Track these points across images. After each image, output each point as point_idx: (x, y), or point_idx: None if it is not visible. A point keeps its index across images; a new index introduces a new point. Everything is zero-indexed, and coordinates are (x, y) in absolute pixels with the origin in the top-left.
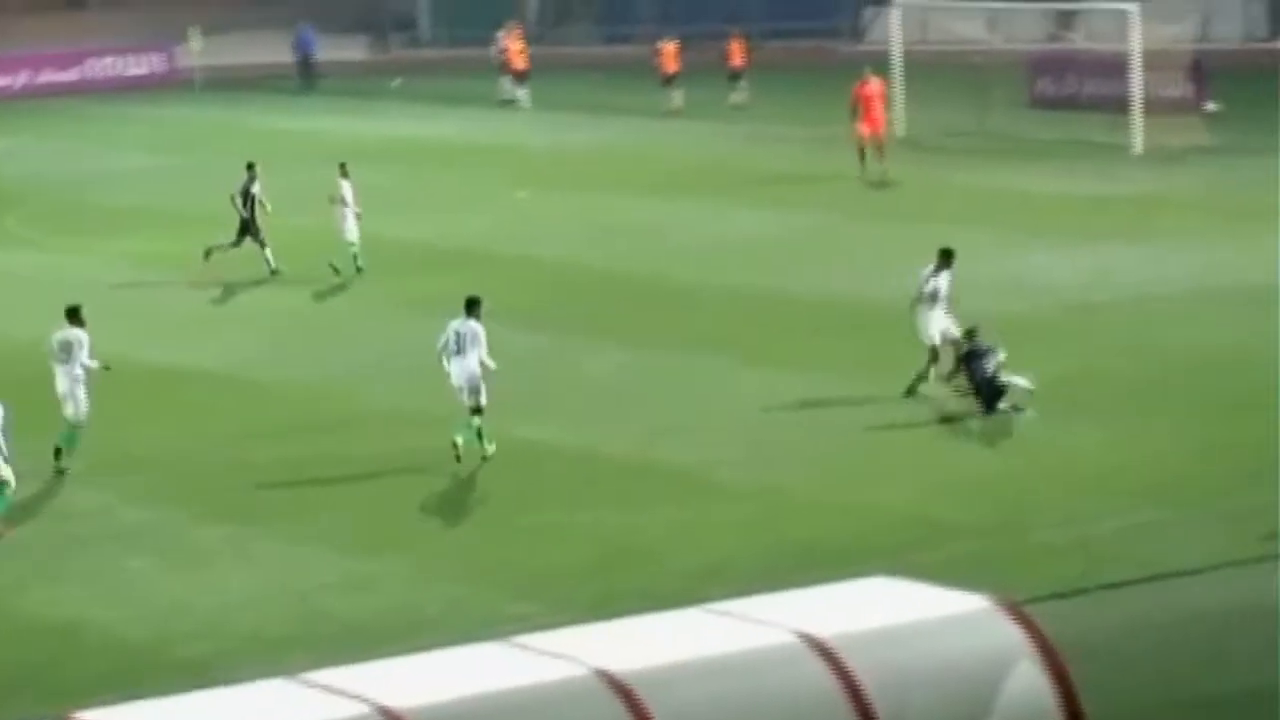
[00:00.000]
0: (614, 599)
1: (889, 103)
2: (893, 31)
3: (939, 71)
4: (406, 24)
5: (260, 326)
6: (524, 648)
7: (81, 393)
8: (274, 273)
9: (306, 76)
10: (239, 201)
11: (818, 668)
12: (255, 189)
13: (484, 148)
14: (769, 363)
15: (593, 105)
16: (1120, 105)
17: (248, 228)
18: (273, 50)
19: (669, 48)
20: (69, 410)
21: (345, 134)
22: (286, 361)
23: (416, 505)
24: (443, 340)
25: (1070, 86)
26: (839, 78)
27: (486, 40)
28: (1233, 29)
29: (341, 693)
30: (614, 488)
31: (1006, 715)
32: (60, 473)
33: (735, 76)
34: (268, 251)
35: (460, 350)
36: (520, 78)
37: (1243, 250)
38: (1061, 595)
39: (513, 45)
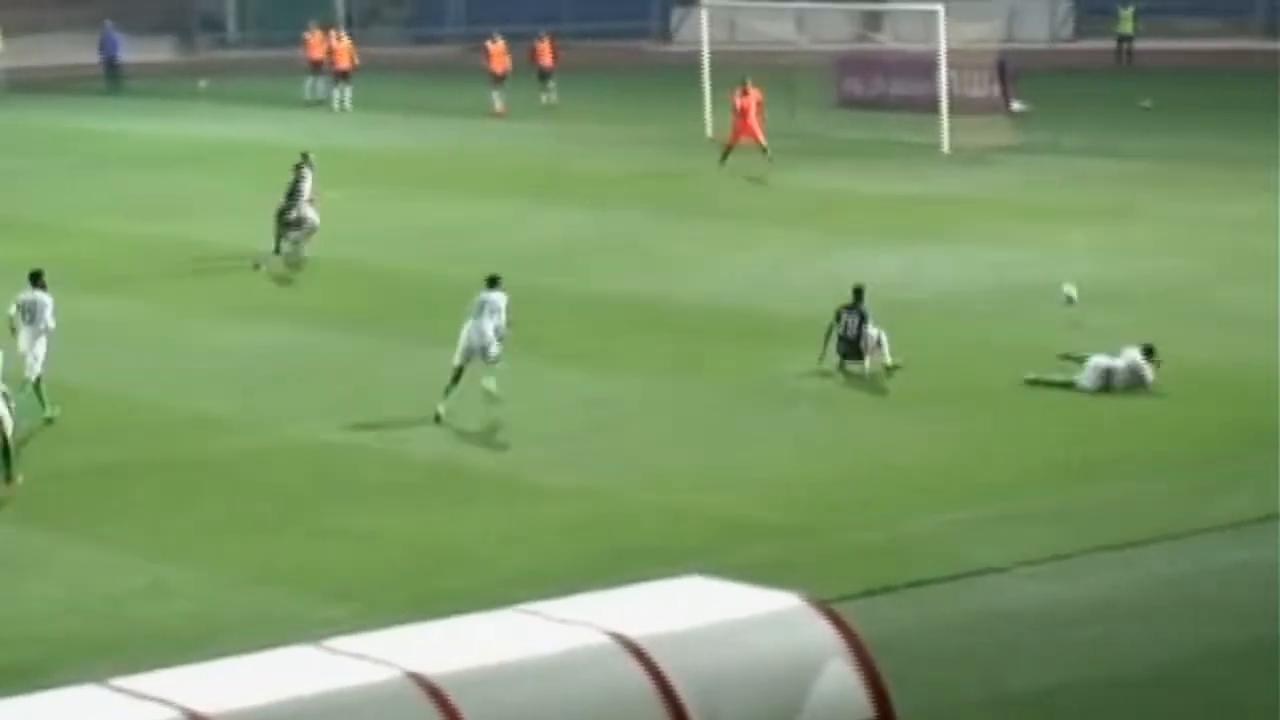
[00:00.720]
0: (426, 602)
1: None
2: (701, 32)
3: (748, 72)
4: (214, 25)
5: (70, 330)
6: (334, 651)
7: (42, 350)
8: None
9: (113, 78)
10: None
11: (630, 668)
12: (305, 185)
13: (295, 149)
14: (580, 363)
15: (407, 106)
16: (928, 105)
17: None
18: (78, 51)
19: (496, 47)
20: (31, 368)
21: (152, 135)
22: (94, 365)
23: (225, 510)
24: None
25: (878, 87)
26: (648, 78)
27: (296, 41)
28: (1038, 29)
29: (150, 698)
30: (426, 490)
31: (818, 712)
32: (49, 421)
33: (545, 77)
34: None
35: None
36: (341, 77)
37: (1047, 248)
38: (872, 593)
39: (335, 44)
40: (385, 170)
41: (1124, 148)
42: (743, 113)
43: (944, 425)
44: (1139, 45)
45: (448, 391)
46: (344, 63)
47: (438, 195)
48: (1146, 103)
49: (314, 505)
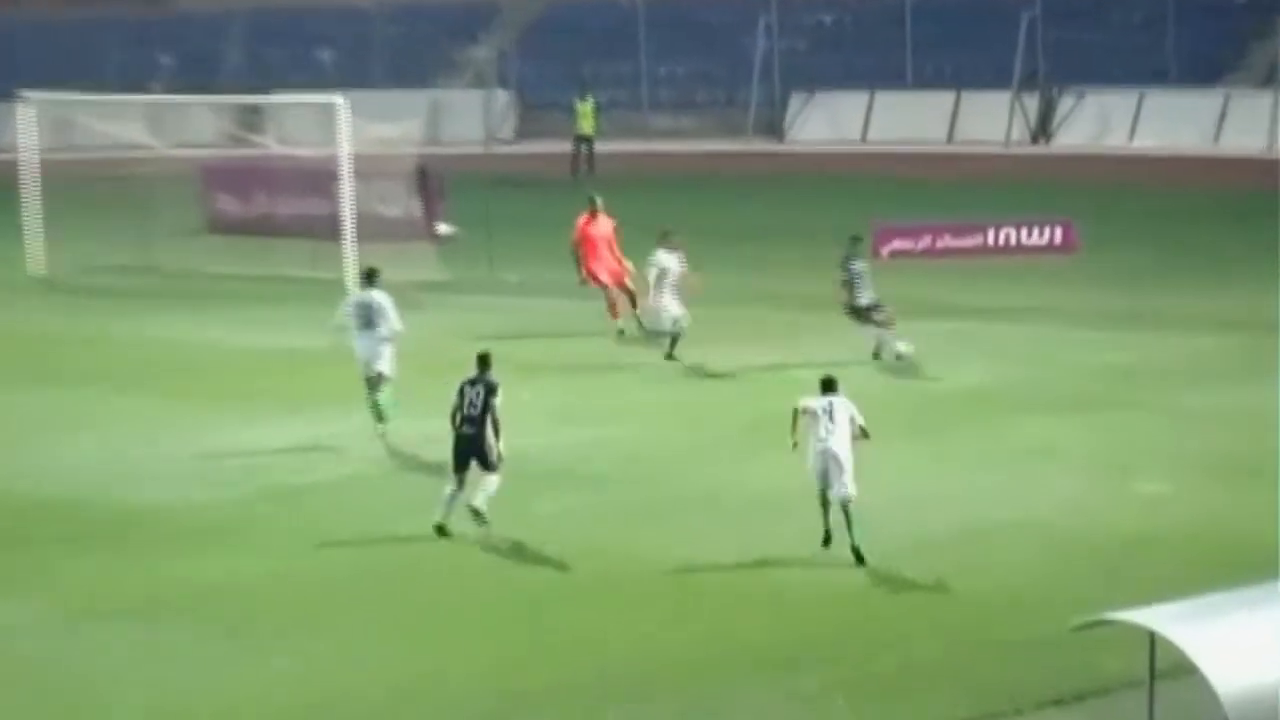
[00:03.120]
0: None
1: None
2: (23, 136)
3: (89, 187)
4: None
5: None
6: None
7: (388, 352)
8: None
9: None
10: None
11: None
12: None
13: None
14: None
15: None
16: (326, 228)
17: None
18: None
19: None
20: (381, 367)
21: None
22: None
23: None
24: None
25: (259, 204)
26: None
27: None
28: (470, 129)
29: None
30: None
31: None
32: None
33: None
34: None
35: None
36: None
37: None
38: None
39: None
40: None
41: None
42: (591, 244)
43: (314, 649)
44: (602, 148)
45: None
46: None
47: None
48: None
49: None
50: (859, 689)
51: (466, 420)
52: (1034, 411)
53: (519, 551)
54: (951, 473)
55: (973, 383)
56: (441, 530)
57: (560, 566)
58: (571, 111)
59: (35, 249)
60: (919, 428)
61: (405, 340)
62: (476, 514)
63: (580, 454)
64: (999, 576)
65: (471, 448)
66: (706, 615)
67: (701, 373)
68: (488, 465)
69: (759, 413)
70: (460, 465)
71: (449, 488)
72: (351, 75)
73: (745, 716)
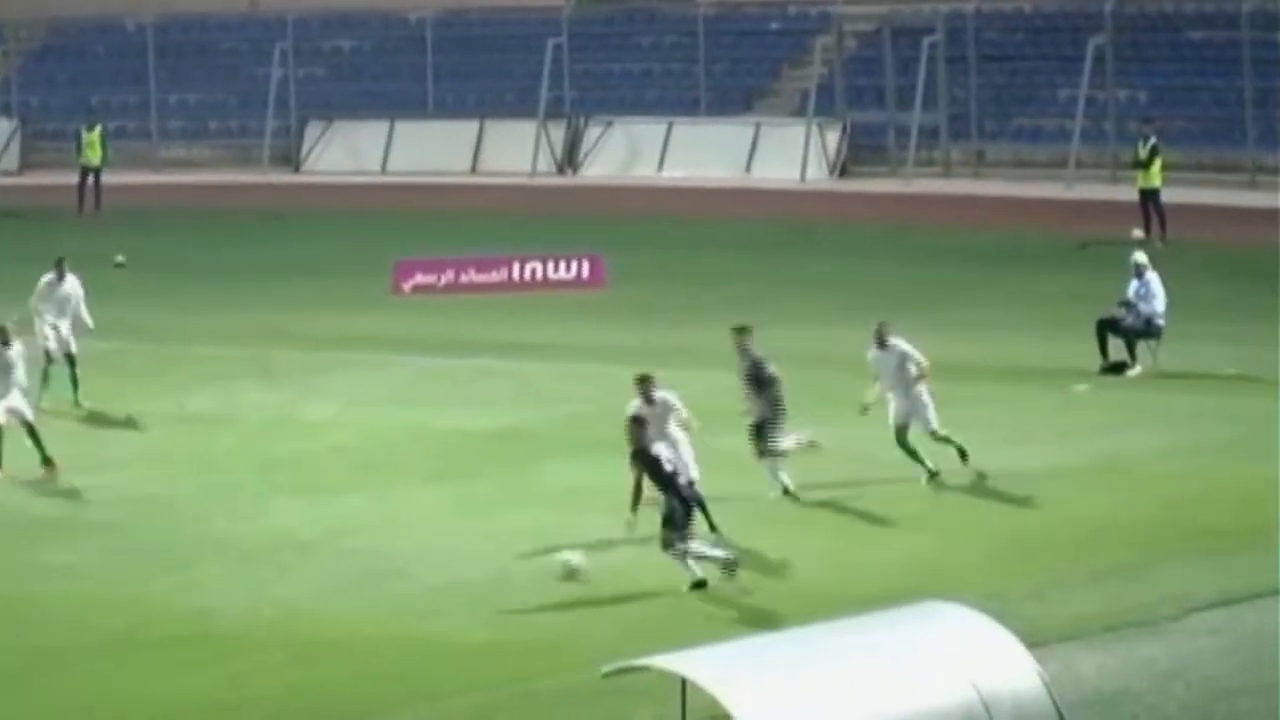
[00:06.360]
0: None
1: None
2: None
3: None
4: None
5: None
6: None
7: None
8: None
9: None
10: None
11: None
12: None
13: None
14: None
15: None
16: None
17: None
18: None
19: None
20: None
21: None
22: None
23: None
24: None
25: None
26: None
27: None
28: None
29: None
30: None
31: None
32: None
33: None
34: None
35: None
36: None
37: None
38: None
39: None
40: None
41: (95, 321)
42: None
43: None
44: (110, 179)
45: None
46: None
47: None
48: (119, 258)
49: None
50: None
51: None
52: (563, 453)
53: (22, 605)
54: (480, 516)
55: (501, 423)
56: None
57: (70, 621)
58: (78, 141)
59: None
60: (444, 472)
61: None
62: None
63: (87, 500)
64: (531, 624)
65: None
66: (229, 663)
67: (204, 416)
68: None
69: (269, 456)
70: None
71: None
72: None
73: None
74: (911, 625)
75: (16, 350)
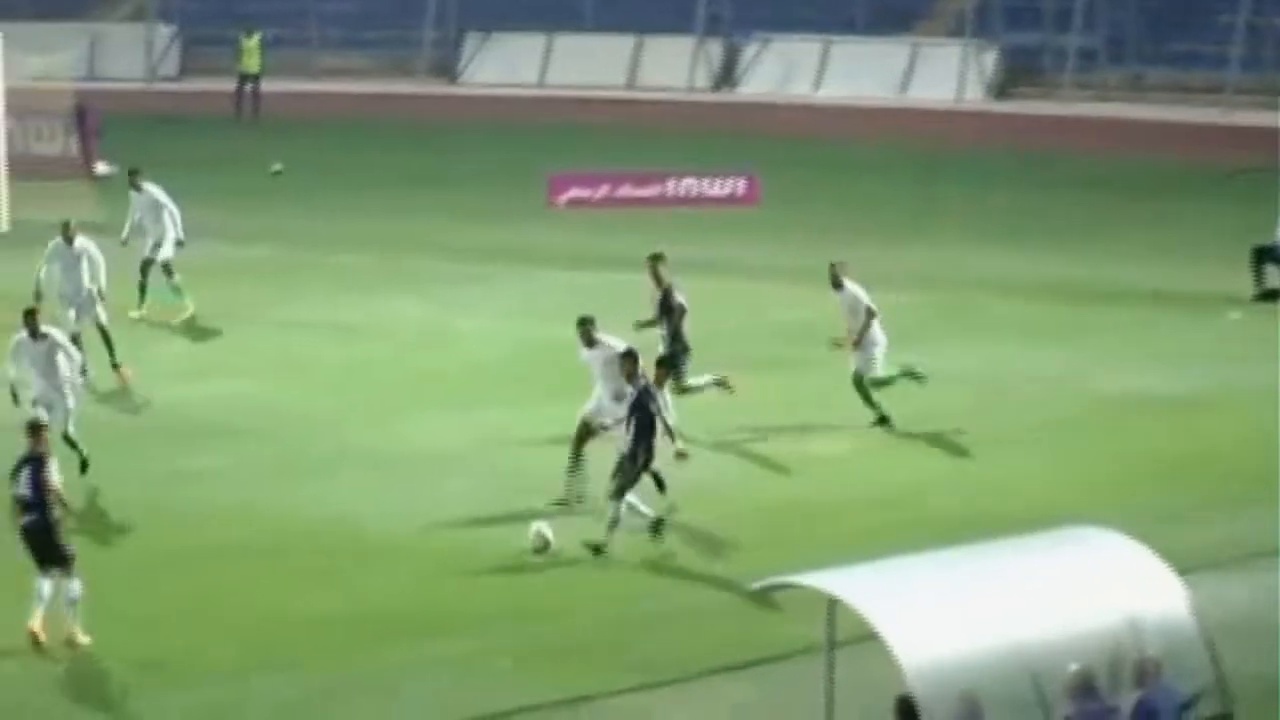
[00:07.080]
0: None
1: None
2: None
3: None
4: None
5: None
6: None
7: None
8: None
9: None
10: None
11: None
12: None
13: None
14: None
15: None
16: None
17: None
18: None
19: None
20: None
21: None
22: None
23: None
24: None
25: None
26: None
27: None
28: (131, 65)
29: None
30: None
31: None
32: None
33: None
34: None
35: None
36: None
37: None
38: None
39: None
40: None
41: (247, 228)
42: None
43: None
44: (268, 87)
45: None
46: None
47: None
48: (277, 166)
49: None
50: (519, 656)
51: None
52: (710, 368)
53: (160, 509)
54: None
55: (651, 339)
56: None
57: (204, 527)
58: (236, 48)
59: None
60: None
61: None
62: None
63: (223, 408)
64: (664, 545)
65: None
66: (359, 577)
67: (351, 325)
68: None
69: (414, 368)
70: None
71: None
72: None
73: (396, 682)
74: (1059, 550)
75: (80, 245)
